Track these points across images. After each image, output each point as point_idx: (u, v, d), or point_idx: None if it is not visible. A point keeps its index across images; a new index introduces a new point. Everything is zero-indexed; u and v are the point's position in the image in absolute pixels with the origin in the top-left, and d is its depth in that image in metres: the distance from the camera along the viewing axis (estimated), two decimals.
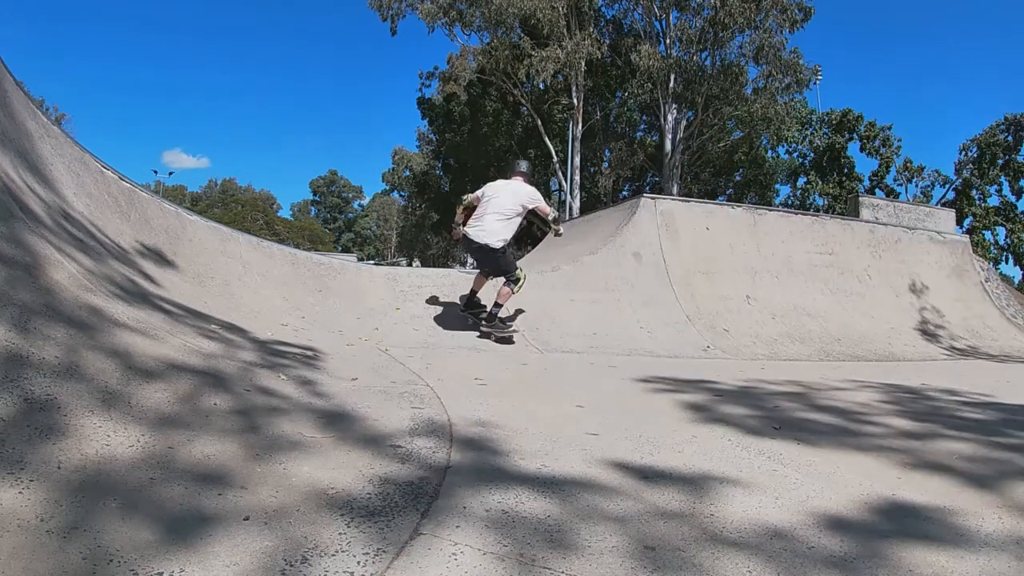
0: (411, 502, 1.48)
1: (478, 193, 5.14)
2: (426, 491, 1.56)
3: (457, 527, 1.37)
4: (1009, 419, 2.98)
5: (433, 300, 5.64)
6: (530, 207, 5.02)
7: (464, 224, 5.03)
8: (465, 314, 5.25)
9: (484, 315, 5.07)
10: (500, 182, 5.21)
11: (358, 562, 1.18)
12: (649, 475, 1.82)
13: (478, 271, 5.33)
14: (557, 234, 5.68)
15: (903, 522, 1.54)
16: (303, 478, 1.55)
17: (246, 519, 1.30)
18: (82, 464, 1.38)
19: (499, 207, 4.92)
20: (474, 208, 5.07)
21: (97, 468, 1.39)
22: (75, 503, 1.24)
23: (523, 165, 5.38)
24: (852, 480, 1.85)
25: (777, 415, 2.83)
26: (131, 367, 1.91)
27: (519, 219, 5.05)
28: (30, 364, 1.63)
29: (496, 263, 4.98)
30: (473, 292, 5.27)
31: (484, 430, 2.20)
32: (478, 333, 5.07)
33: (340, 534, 1.28)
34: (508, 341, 5.00)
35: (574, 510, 1.51)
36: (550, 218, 5.25)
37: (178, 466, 1.50)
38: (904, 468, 1.99)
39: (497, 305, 5.00)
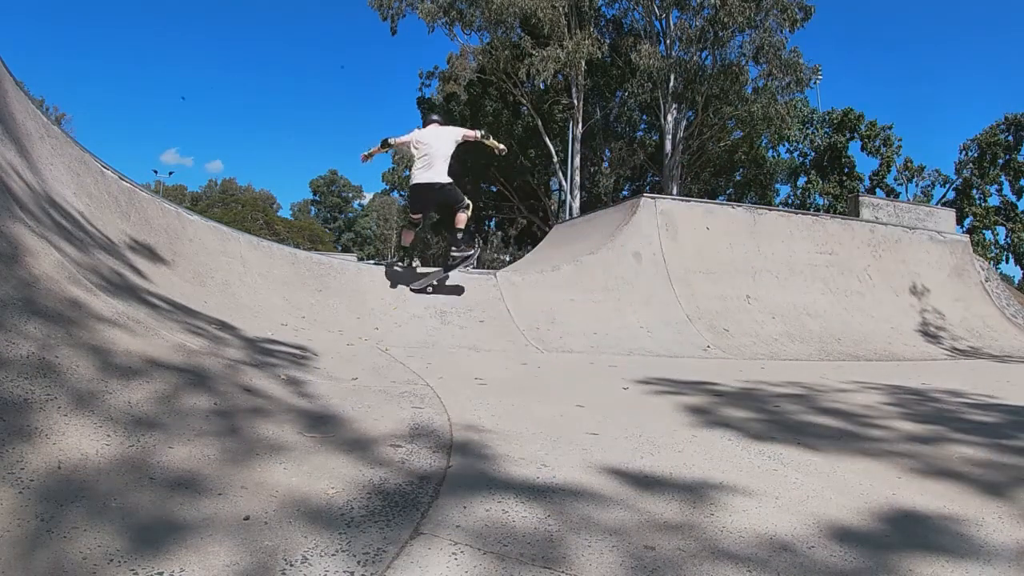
0: (411, 501, 1.48)
1: (408, 139, 5.85)
2: (426, 491, 1.56)
3: (457, 527, 1.36)
4: (1015, 421, 2.96)
5: (433, 300, 5.63)
6: (460, 140, 5.89)
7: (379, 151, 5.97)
8: (418, 283, 5.76)
9: (452, 247, 5.77)
10: (428, 131, 5.94)
11: (358, 562, 1.18)
12: (649, 475, 1.82)
13: (406, 229, 6.16)
14: (499, 151, 6.25)
15: (911, 531, 1.50)
16: (304, 477, 1.55)
17: (246, 519, 1.30)
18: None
19: (441, 152, 5.73)
20: (390, 147, 6.02)
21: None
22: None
23: (434, 115, 6.24)
24: (857, 486, 1.82)
25: (778, 418, 2.83)
26: (131, 367, 1.91)
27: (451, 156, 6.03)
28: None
29: (448, 195, 5.83)
30: (408, 247, 6.27)
31: (484, 430, 2.19)
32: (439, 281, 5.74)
33: (340, 534, 1.28)
34: (471, 261, 5.72)
35: (575, 509, 1.51)
36: (480, 136, 5.99)
37: (177, 465, 1.49)
38: (911, 474, 1.96)
39: (460, 230, 5.76)
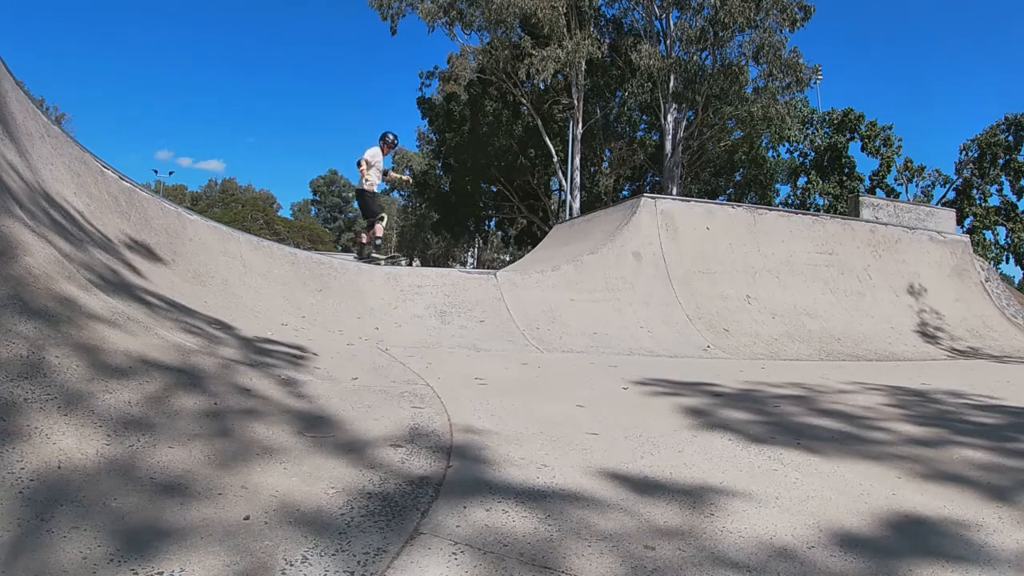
0: (411, 502, 1.48)
1: (368, 158, 7.40)
2: (426, 491, 1.56)
3: (457, 527, 1.36)
4: (1016, 423, 2.95)
5: (433, 300, 5.63)
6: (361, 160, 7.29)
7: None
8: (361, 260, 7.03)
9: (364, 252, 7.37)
10: (377, 150, 7.50)
11: (358, 562, 1.18)
12: (649, 476, 1.82)
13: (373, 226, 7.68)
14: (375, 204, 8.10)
15: (912, 534, 1.49)
16: (303, 478, 1.55)
17: (247, 519, 1.30)
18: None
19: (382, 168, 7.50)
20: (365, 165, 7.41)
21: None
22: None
23: (388, 136, 7.65)
24: (857, 488, 1.81)
25: (779, 419, 2.83)
26: (129, 367, 1.90)
27: (363, 171, 7.43)
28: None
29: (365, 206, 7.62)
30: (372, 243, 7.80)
31: (484, 430, 2.19)
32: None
33: (340, 534, 1.28)
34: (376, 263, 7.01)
35: (574, 511, 1.51)
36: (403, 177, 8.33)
37: (176, 466, 1.49)
38: (911, 476, 1.94)
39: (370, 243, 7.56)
